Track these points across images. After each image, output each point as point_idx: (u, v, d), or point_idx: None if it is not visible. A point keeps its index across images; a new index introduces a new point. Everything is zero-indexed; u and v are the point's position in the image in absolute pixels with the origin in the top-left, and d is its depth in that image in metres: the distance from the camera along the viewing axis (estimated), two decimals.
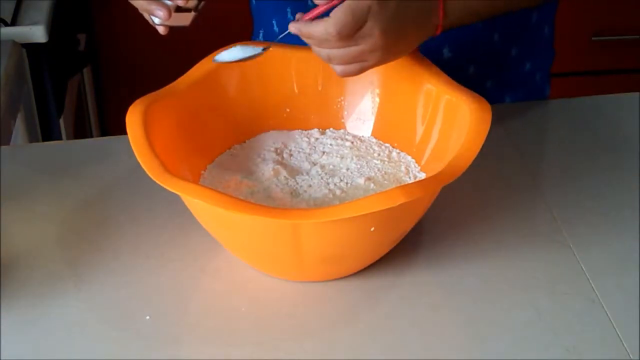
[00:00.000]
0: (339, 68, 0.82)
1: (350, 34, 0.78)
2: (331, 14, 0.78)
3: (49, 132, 1.59)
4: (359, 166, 0.90)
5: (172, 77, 0.90)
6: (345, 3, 0.77)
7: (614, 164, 0.99)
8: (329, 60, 0.81)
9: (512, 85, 1.13)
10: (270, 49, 0.91)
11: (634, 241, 0.87)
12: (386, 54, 0.82)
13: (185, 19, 0.85)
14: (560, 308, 0.79)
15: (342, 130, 0.96)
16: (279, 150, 0.93)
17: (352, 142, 0.94)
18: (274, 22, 1.11)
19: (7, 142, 1.33)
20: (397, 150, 0.93)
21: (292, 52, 0.94)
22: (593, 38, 2.22)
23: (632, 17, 2.21)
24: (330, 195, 0.86)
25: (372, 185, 0.87)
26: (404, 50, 0.84)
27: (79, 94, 1.88)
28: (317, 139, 0.95)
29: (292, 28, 0.80)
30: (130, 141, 0.79)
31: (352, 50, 0.80)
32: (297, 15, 0.81)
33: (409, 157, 0.91)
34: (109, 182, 0.97)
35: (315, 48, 0.82)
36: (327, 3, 0.79)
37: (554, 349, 0.75)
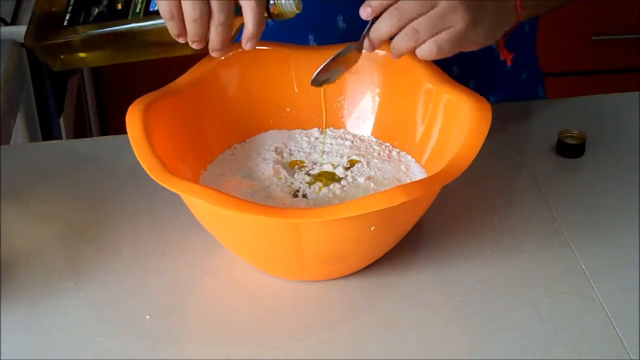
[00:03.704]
0: (429, 46, 0.80)
1: None
2: None
3: (49, 132, 1.59)
4: (359, 165, 0.90)
5: (172, 77, 0.89)
6: None
7: (613, 164, 0.99)
8: (416, 32, 0.79)
9: (495, 83, 1.13)
10: (273, 48, 0.91)
11: (634, 241, 0.87)
12: (469, 14, 0.80)
13: None
14: (560, 308, 0.79)
15: (342, 130, 0.96)
16: (279, 150, 0.93)
17: (352, 142, 0.94)
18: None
19: (7, 142, 1.33)
20: (397, 150, 0.93)
21: (292, 51, 0.94)
22: (593, 38, 2.22)
23: (632, 17, 2.21)
24: (330, 195, 0.86)
25: (372, 184, 0.87)
26: (486, 31, 0.83)
27: (79, 94, 1.88)
28: (317, 138, 0.95)
29: (363, 11, 0.80)
30: (130, 141, 0.79)
31: (433, 13, 0.79)
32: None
33: (409, 157, 0.91)
34: (109, 182, 0.97)
35: (396, 40, 0.80)
36: None
37: (554, 348, 0.75)
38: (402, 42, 0.80)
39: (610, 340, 0.76)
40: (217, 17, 0.78)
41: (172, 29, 0.79)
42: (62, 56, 0.86)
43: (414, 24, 0.79)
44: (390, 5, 0.79)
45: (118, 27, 0.83)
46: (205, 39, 0.80)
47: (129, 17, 0.82)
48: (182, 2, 0.77)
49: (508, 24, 0.86)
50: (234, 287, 0.82)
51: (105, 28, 0.83)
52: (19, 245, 0.87)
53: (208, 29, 0.79)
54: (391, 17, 0.80)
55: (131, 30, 0.83)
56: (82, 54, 0.86)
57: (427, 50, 0.80)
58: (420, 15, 0.79)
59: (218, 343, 0.76)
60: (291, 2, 0.82)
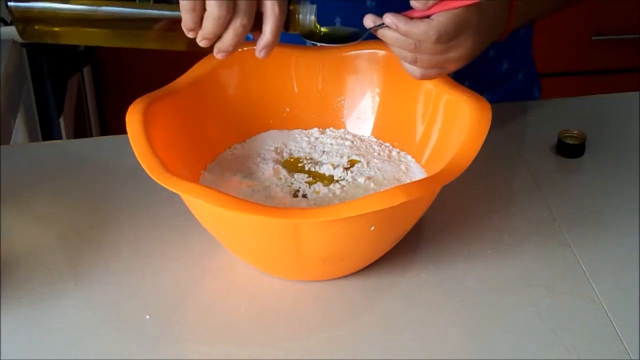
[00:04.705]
0: (419, 71, 0.82)
1: (447, 40, 0.79)
2: (434, 17, 0.78)
3: (49, 132, 1.59)
4: (359, 165, 0.90)
5: (172, 77, 0.89)
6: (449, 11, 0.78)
7: (613, 164, 0.99)
8: (414, 62, 0.81)
9: (490, 85, 1.13)
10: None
11: (634, 241, 0.87)
12: (465, 63, 0.83)
13: None
14: (560, 308, 0.79)
15: (342, 130, 0.96)
16: (279, 150, 0.93)
17: (352, 142, 0.94)
18: None
19: (7, 142, 1.33)
20: (397, 150, 0.93)
21: (292, 51, 0.94)
22: (593, 38, 2.22)
23: (632, 17, 2.21)
24: (330, 195, 0.86)
25: (372, 184, 0.87)
26: (474, 57, 0.85)
27: (79, 94, 1.88)
28: (317, 138, 0.95)
29: (388, 20, 0.79)
30: (130, 141, 0.79)
31: (440, 57, 0.81)
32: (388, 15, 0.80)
33: (409, 157, 0.91)
34: (109, 182, 0.97)
35: (397, 49, 0.81)
36: (424, 11, 0.78)
37: (554, 348, 0.75)
38: (398, 54, 0.82)
39: (610, 340, 0.76)
40: (240, 19, 0.77)
41: (188, 22, 0.77)
42: (38, 26, 0.82)
43: (419, 55, 0.81)
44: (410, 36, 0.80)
45: (122, 9, 0.79)
46: (217, 38, 0.79)
47: (137, 1, 0.80)
48: None
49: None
50: (234, 287, 0.82)
51: (107, 7, 0.80)
52: (19, 245, 0.87)
53: (225, 28, 0.78)
54: (408, 47, 0.80)
55: (136, 16, 0.80)
56: (63, 29, 0.82)
57: (411, 70, 0.83)
58: (430, 54, 0.80)
59: (218, 343, 0.76)
60: (311, 18, 0.81)
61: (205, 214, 0.79)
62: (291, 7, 0.80)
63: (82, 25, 0.82)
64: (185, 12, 0.77)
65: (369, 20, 0.81)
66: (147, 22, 0.81)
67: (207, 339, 0.77)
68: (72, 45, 1.76)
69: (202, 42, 0.79)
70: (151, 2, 0.79)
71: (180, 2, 0.77)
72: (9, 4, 0.80)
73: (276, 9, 0.78)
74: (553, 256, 0.85)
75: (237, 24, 0.77)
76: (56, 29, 0.82)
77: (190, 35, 0.78)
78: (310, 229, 0.74)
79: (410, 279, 0.83)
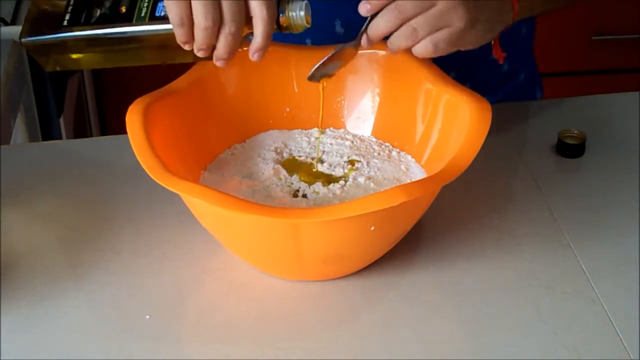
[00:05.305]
0: (425, 44, 0.80)
1: None
2: None
3: (49, 132, 1.59)
4: (358, 165, 0.90)
5: (172, 76, 0.89)
6: None
7: (613, 164, 0.99)
8: (414, 31, 0.79)
9: (491, 86, 1.13)
10: (273, 48, 0.91)
11: (634, 241, 0.87)
12: (468, 13, 0.80)
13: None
14: (560, 308, 0.79)
15: (342, 130, 0.96)
16: (279, 150, 0.93)
17: (352, 142, 0.94)
18: None
19: (7, 142, 1.33)
20: (397, 150, 0.93)
21: (292, 51, 0.94)
22: (593, 38, 2.22)
23: (632, 17, 2.21)
24: (330, 195, 0.86)
25: (372, 184, 0.87)
26: (483, 31, 0.82)
27: (79, 94, 1.88)
28: (317, 138, 0.95)
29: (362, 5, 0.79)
30: (130, 141, 0.79)
31: (433, 12, 0.78)
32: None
33: (409, 157, 0.91)
34: (109, 182, 0.97)
35: (396, 37, 0.80)
36: None
37: (554, 348, 0.75)
38: (399, 40, 0.80)
39: (610, 340, 0.76)
40: (229, 27, 0.77)
41: (180, 36, 0.78)
42: (55, 56, 0.85)
43: (412, 22, 0.79)
44: (390, 2, 0.79)
45: (122, 30, 0.82)
46: (212, 47, 0.79)
47: (134, 21, 0.81)
48: (194, 10, 0.76)
49: (504, 22, 0.86)
50: (234, 287, 0.82)
51: (108, 30, 0.82)
52: (19, 245, 0.87)
53: (217, 37, 0.78)
54: (390, 14, 0.79)
55: (135, 35, 0.82)
56: (78, 55, 0.85)
57: (424, 48, 0.80)
58: (419, 13, 0.79)
59: (218, 343, 0.76)
60: (302, 14, 0.80)
61: (205, 214, 0.79)
62: (281, 5, 0.80)
63: (92, 51, 0.84)
64: (176, 27, 0.77)
65: (363, 9, 0.81)
66: (147, 41, 0.82)
67: (207, 339, 0.77)
68: None
69: (199, 53, 0.79)
70: (146, 20, 0.80)
71: (170, 18, 0.77)
72: (22, 40, 0.83)
73: (264, 11, 0.77)
74: (553, 256, 0.85)
75: (226, 33, 0.77)
76: (72, 56, 0.84)
77: (186, 48, 0.79)
78: (310, 229, 0.74)
79: (410, 279, 0.83)
